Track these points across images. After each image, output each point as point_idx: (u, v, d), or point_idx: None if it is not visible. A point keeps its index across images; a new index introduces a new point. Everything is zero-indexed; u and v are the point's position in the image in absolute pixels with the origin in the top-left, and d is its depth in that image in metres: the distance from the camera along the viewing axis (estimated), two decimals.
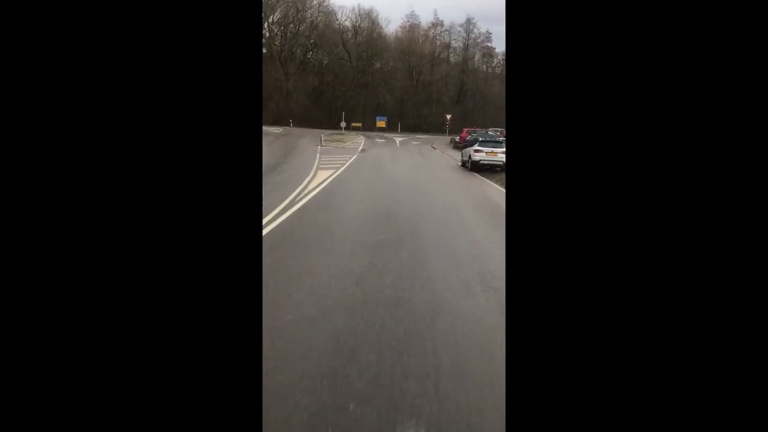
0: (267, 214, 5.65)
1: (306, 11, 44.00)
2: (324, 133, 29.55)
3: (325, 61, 46.10)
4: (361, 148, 20.90)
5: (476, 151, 13.14)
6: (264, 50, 44.42)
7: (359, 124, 45.47)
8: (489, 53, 50.08)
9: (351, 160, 15.01)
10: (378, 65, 46.91)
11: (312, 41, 44.79)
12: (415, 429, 1.72)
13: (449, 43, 49.44)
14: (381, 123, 45.20)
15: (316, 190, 8.10)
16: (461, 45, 49.48)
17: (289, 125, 42.81)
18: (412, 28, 48.52)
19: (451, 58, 49.66)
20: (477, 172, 12.79)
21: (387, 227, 5.39)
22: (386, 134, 36.64)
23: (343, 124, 31.28)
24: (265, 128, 29.73)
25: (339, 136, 27.47)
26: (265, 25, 42.61)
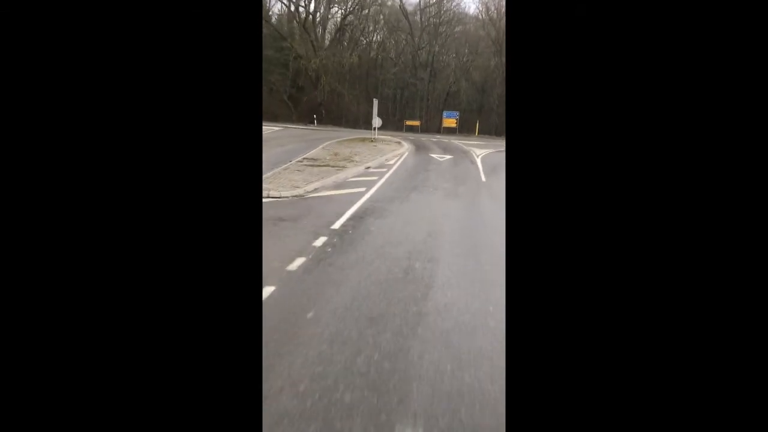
0: None
1: None
2: (333, 141, 15.69)
3: (369, 32, 32.03)
4: (357, 207, 6.28)
5: None
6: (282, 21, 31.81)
7: (416, 123, 30.97)
8: None
9: None
10: (447, 35, 31.94)
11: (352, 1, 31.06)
12: (414, 429, 1.62)
13: None
14: (449, 122, 30.32)
15: None
16: None
17: (314, 122, 29.77)
18: None
19: None
20: None
21: None
22: (455, 139, 21.88)
23: (376, 123, 17.08)
24: None
25: (351, 149, 13.40)
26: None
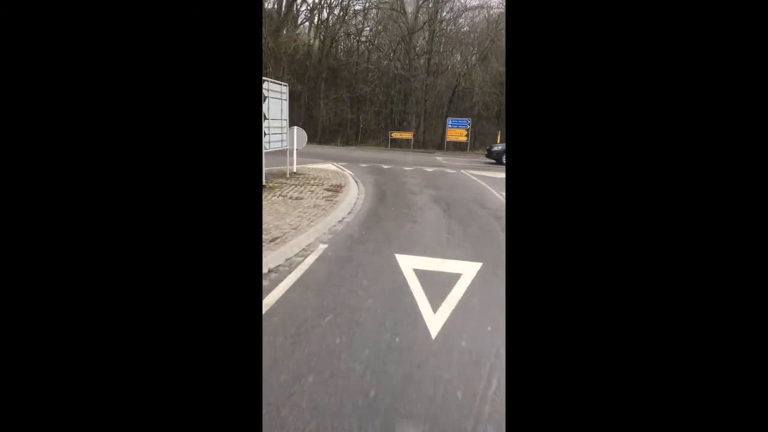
0: None
1: None
2: None
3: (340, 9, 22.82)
4: None
5: None
6: None
7: (407, 135, 21.50)
8: None
9: None
10: (453, 12, 22.83)
11: None
12: (415, 429, 1.67)
13: None
14: (457, 133, 20.94)
15: None
16: None
17: None
18: None
19: None
20: None
21: None
22: (468, 166, 12.39)
23: (293, 140, 7.80)
24: None
25: None
26: None
